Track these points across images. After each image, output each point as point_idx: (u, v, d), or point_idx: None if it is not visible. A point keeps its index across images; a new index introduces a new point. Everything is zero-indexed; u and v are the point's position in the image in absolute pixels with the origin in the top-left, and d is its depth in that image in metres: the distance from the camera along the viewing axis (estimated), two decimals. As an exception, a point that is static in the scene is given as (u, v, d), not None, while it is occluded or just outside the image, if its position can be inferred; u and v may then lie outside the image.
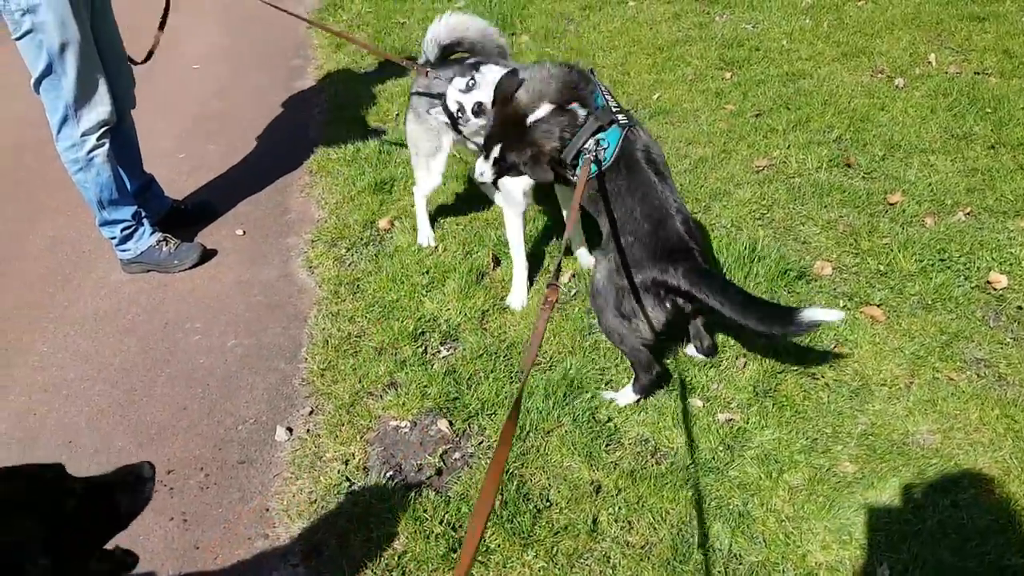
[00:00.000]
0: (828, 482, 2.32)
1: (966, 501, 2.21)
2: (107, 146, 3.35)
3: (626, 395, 2.67)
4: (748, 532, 2.21)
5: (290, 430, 2.75)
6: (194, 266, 3.68)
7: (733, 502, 2.31)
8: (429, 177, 3.46)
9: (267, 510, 2.46)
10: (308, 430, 2.74)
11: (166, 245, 3.66)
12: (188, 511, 2.48)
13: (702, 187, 3.82)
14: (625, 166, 2.43)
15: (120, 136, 3.54)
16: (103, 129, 3.30)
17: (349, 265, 3.57)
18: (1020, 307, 2.84)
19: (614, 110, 2.47)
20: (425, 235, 3.66)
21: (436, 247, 3.59)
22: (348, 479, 2.50)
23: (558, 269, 2.12)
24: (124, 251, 3.63)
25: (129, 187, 3.66)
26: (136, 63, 3.56)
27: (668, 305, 2.40)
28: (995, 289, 2.93)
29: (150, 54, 3.59)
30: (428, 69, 3.17)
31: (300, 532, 2.36)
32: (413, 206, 3.65)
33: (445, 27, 3.18)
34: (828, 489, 2.30)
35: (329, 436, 2.67)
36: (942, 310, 2.88)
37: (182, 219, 4.00)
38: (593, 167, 2.42)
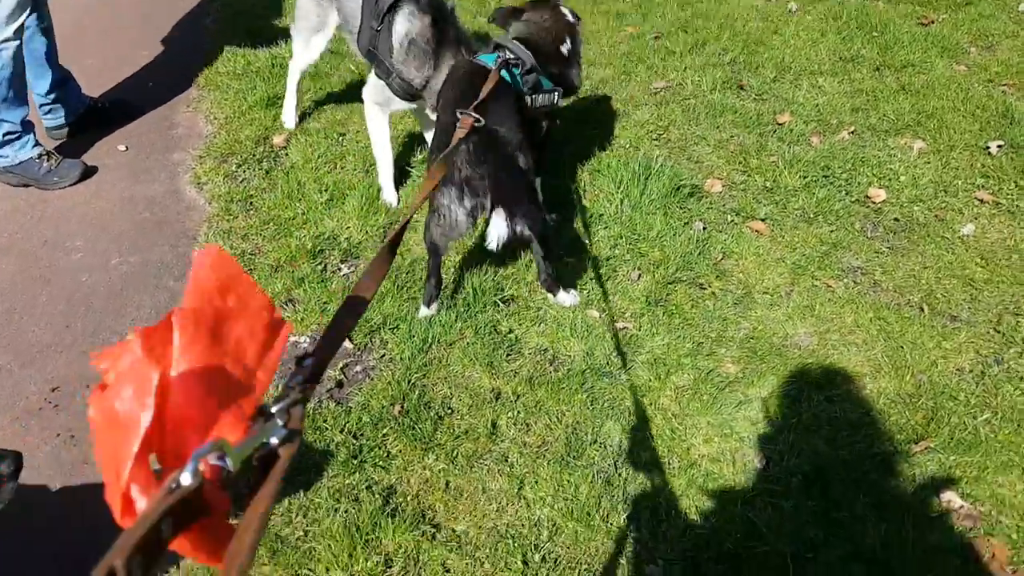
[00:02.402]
0: (712, 382, 2.45)
1: (839, 396, 2.38)
2: (20, 43, 3.18)
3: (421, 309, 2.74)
4: (636, 429, 2.32)
5: (184, 347, 2.68)
6: (74, 184, 3.49)
7: (624, 403, 2.41)
8: (306, 52, 3.50)
9: (160, 426, 2.41)
10: (202, 347, 2.68)
11: (47, 161, 3.46)
12: (75, 427, 2.40)
13: (602, 108, 3.85)
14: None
15: (38, 25, 3.40)
16: (21, 18, 3.12)
17: (241, 182, 3.45)
18: (896, 219, 3.02)
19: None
20: (290, 115, 3.74)
21: (335, 165, 3.51)
22: (246, 393, 2.47)
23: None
24: (1, 157, 3.41)
25: (50, 76, 3.54)
26: None
27: (467, 201, 2.38)
28: (874, 203, 3.11)
29: None
30: None
31: (196, 445, 2.33)
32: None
33: None
34: (712, 388, 2.43)
35: (225, 352, 2.61)
36: (823, 223, 3.04)
37: (101, 118, 3.84)
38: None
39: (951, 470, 2.10)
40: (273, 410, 0.61)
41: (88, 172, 3.57)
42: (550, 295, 2.75)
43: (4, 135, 3.33)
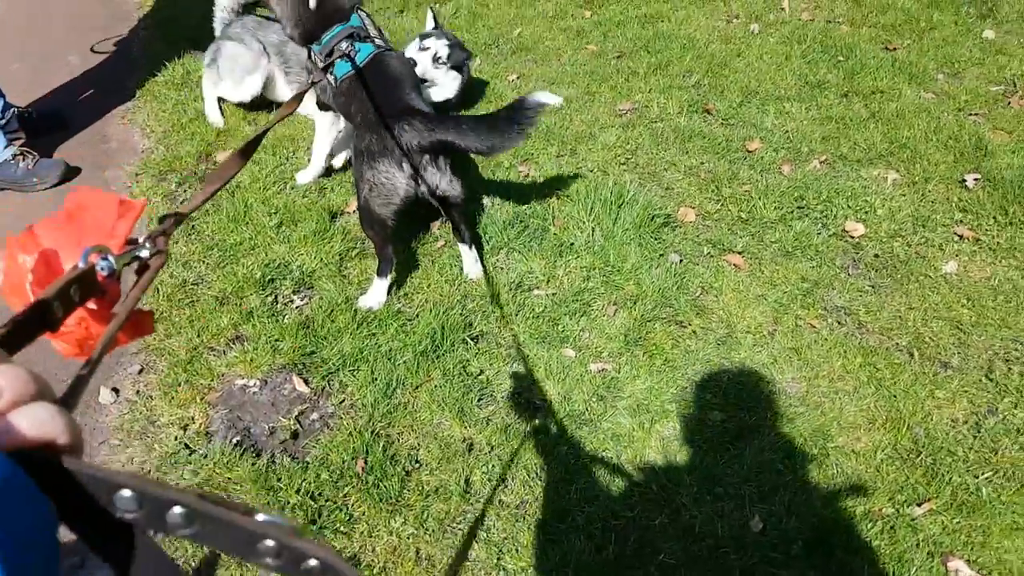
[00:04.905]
0: (700, 432, 2.30)
1: (834, 450, 2.23)
2: None
3: (374, 291, 2.69)
4: (622, 486, 2.15)
5: (116, 391, 2.40)
6: (57, 184, 3.23)
7: (608, 455, 2.24)
8: (236, 90, 3.46)
9: (92, 485, 2.14)
10: (138, 391, 2.41)
11: (23, 161, 3.18)
12: None
13: (567, 129, 3.69)
14: (374, 71, 2.58)
15: None
16: None
17: (181, 202, 3.17)
18: (877, 255, 2.93)
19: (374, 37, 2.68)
20: (213, 111, 3.65)
21: (285, 185, 3.26)
22: (187, 446, 2.22)
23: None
24: None
25: None
26: None
27: (406, 166, 2.48)
28: (852, 237, 3.01)
29: None
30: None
31: (132, 510, 2.06)
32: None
33: None
34: (700, 440, 2.27)
35: (163, 398, 2.35)
36: (802, 258, 2.93)
37: (27, 129, 3.47)
38: (348, 64, 2.58)
39: (955, 534, 1.99)
40: (140, 239, 0.73)
41: (71, 171, 3.32)
42: (464, 246, 2.79)
43: None
